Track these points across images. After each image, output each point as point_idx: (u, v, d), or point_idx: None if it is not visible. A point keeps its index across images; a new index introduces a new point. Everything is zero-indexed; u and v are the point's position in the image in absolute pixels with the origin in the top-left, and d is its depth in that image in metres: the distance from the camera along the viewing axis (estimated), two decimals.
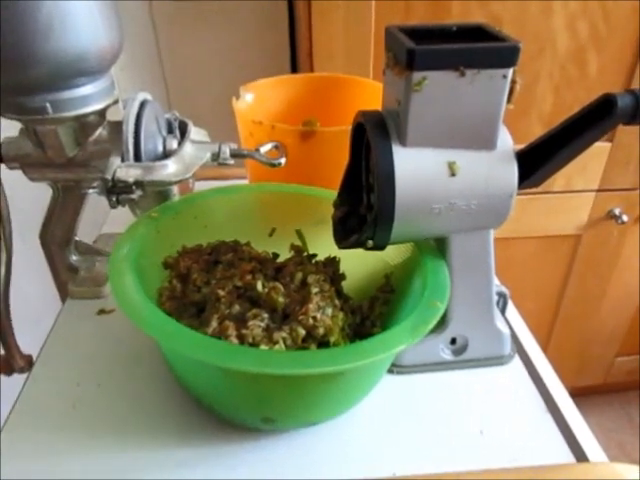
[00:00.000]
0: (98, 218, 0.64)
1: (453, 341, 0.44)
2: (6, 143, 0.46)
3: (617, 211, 1.03)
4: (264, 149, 0.47)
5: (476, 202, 0.37)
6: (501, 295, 0.47)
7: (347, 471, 0.37)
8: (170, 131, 0.49)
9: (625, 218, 1.02)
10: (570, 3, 0.83)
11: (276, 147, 0.47)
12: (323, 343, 0.37)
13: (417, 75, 0.33)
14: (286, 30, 1.02)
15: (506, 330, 0.44)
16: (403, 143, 0.35)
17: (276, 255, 0.47)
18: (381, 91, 0.39)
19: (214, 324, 0.37)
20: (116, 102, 0.46)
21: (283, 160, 0.46)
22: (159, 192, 0.47)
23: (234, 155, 0.46)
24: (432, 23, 0.37)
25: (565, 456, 0.39)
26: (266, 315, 0.37)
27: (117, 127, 0.44)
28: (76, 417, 0.40)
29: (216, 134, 0.50)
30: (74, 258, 0.54)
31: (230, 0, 0.99)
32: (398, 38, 0.34)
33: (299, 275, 0.41)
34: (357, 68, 0.85)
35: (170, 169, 0.43)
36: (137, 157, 0.44)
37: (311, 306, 0.37)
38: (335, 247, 0.42)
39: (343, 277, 0.45)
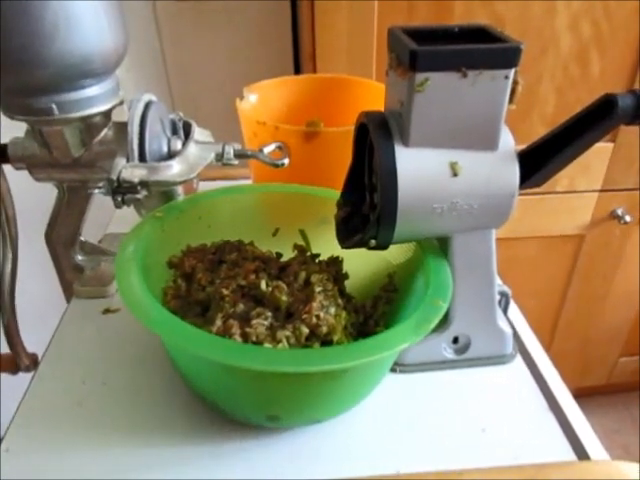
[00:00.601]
0: (103, 218, 0.64)
1: (455, 340, 0.44)
2: (12, 144, 0.46)
3: (620, 211, 1.03)
4: (268, 149, 0.47)
5: (478, 202, 0.37)
6: (503, 294, 0.48)
7: (350, 469, 0.37)
8: (174, 132, 0.49)
9: (628, 218, 1.02)
10: (573, 3, 0.83)
11: (279, 147, 0.48)
12: (326, 342, 0.37)
13: (420, 76, 0.33)
14: (289, 31, 1.03)
15: (508, 329, 0.45)
16: (406, 143, 0.36)
17: (280, 255, 0.47)
18: (384, 92, 0.39)
19: (218, 323, 0.37)
20: (121, 103, 0.47)
21: (286, 160, 0.46)
22: (164, 192, 0.48)
23: (238, 155, 0.46)
24: (434, 24, 0.37)
25: (567, 454, 0.39)
26: (270, 314, 0.38)
27: (122, 128, 0.45)
28: (82, 415, 0.40)
29: (220, 135, 0.50)
30: (79, 258, 0.54)
31: (233, 1, 0.99)
32: (401, 39, 0.34)
33: (302, 274, 0.42)
34: (360, 69, 0.85)
35: (175, 169, 0.44)
36: (142, 157, 0.44)
37: (314, 305, 0.38)
38: (338, 247, 0.42)
39: (346, 276, 0.45)
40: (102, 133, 0.46)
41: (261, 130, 0.52)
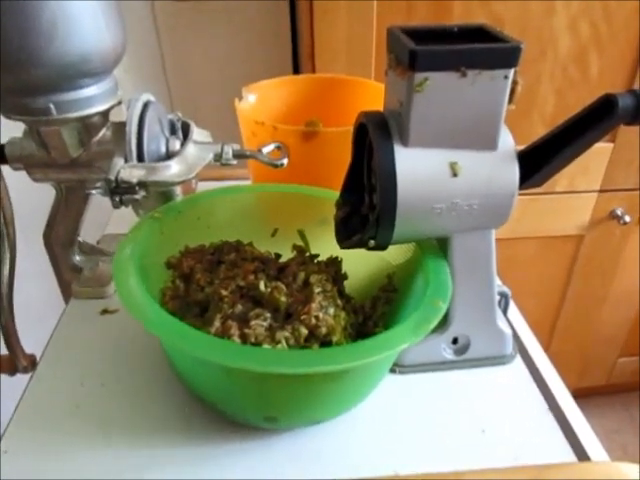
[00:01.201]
0: (101, 218, 0.64)
1: (455, 341, 0.44)
2: (10, 144, 0.46)
3: (619, 211, 1.03)
4: (266, 150, 0.47)
5: (478, 202, 0.37)
6: (503, 295, 0.47)
7: (349, 470, 0.37)
8: (173, 132, 0.49)
9: (627, 218, 1.02)
10: (572, 4, 0.83)
11: (278, 148, 0.48)
12: (325, 343, 0.37)
13: (419, 76, 0.33)
14: (288, 31, 1.03)
15: (508, 330, 0.45)
16: (405, 143, 0.36)
17: (278, 255, 0.47)
18: (383, 92, 0.39)
19: (217, 324, 0.37)
20: (119, 103, 0.46)
21: (285, 161, 0.46)
22: (162, 192, 0.48)
23: (237, 156, 0.46)
24: (434, 24, 0.37)
25: (567, 455, 0.39)
26: (269, 315, 0.38)
27: (120, 128, 0.45)
28: (80, 417, 0.40)
29: (219, 135, 0.50)
30: (77, 258, 0.54)
31: (233, 1, 0.99)
32: (400, 39, 0.34)
33: (301, 275, 0.41)
34: (359, 69, 0.85)
35: (173, 170, 0.43)
36: (140, 158, 0.44)
37: (313, 305, 0.38)
38: (337, 247, 0.42)
39: (345, 277, 0.45)
40: (100, 133, 0.46)
41: (260, 130, 0.52)
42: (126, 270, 0.36)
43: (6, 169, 0.48)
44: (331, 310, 0.38)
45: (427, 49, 0.32)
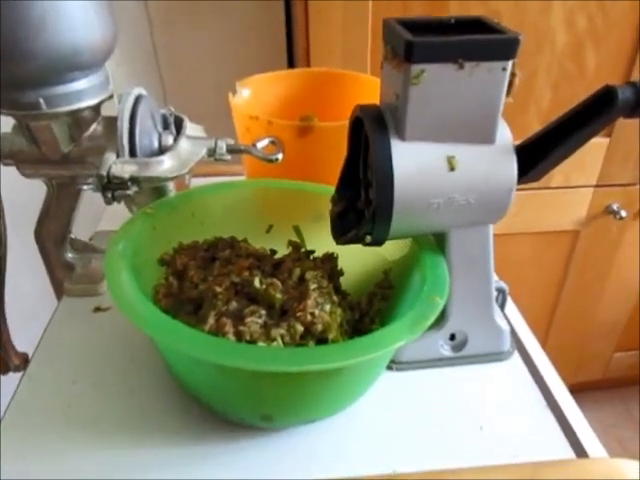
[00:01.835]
0: (94, 215, 0.63)
1: (452, 337, 0.43)
2: None
3: (615, 206, 1.03)
4: (261, 145, 0.46)
5: (475, 197, 0.37)
6: (500, 291, 0.47)
7: (346, 468, 0.37)
8: (166, 127, 0.48)
9: (624, 213, 1.02)
10: None
11: (273, 142, 0.47)
12: (321, 340, 0.37)
13: (415, 68, 0.32)
14: (283, 25, 1.02)
15: (505, 326, 0.44)
16: (401, 137, 0.35)
17: (274, 251, 0.46)
18: (379, 86, 0.39)
19: (211, 321, 0.36)
20: (111, 97, 0.46)
21: (280, 156, 0.45)
22: (155, 188, 0.47)
23: (231, 151, 0.46)
24: (430, 16, 0.37)
25: (565, 452, 0.39)
26: (264, 312, 0.37)
27: (112, 123, 0.44)
28: (71, 416, 0.39)
29: (212, 130, 0.49)
30: (70, 255, 0.53)
31: None
32: (396, 30, 0.33)
33: (297, 271, 0.41)
34: (354, 63, 0.84)
35: (166, 165, 0.43)
36: (132, 153, 0.43)
37: (309, 302, 0.37)
38: (333, 243, 0.41)
39: (341, 273, 0.44)
40: (91, 128, 0.45)
41: (254, 125, 0.51)
42: (118, 267, 0.36)
43: None
44: (327, 307, 0.38)
45: (424, 40, 0.32)
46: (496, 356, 0.45)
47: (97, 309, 0.50)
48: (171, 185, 0.48)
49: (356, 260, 0.45)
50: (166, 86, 1.06)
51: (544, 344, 0.48)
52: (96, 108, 0.45)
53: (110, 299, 0.49)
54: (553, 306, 1.19)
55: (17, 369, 0.54)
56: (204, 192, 0.47)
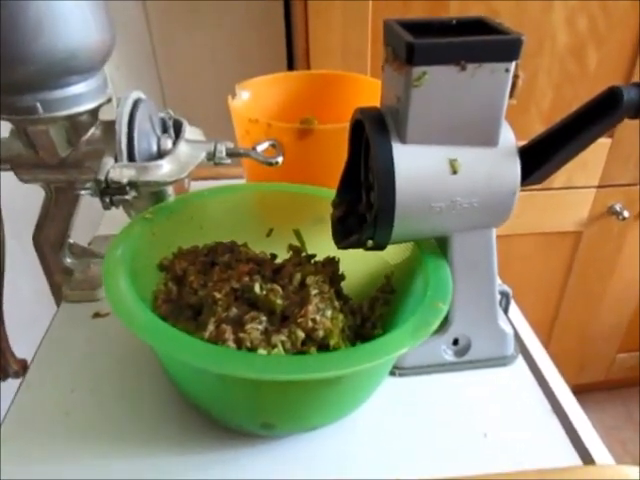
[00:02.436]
0: (93, 219, 0.63)
1: (455, 342, 0.43)
2: None
3: (618, 207, 1.02)
4: (261, 148, 0.46)
5: (478, 200, 0.36)
6: (504, 294, 0.47)
7: (348, 476, 0.36)
8: (164, 130, 0.48)
9: (626, 214, 1.02)
10: None
11: (273, 145, 0.47)
12: (323, 346, 0.36)
13: (417, 70, 0.32)
14: (282, 27, 1.01)
15: (509, 330, 0.44)
16: (403, 140, 0.35)
17: (274, 256, 0.46)
18: (379, 88, 0.38)
19: (211, 328, 0.36)
20: (109, 101, 0.45)
21: (280, 159, 0.45)
22: (154, 193, 0.46)
23: (230, 154, 0.45)
24: (431, 17, 0.36)
25: (571, 457, 0.38)
26: (264, 318, 0.36)
27: (110, 127, 0.43)
28: (69, 425, 0.39)
29: (212, 133, 0.49)
30: (68, 261, 0.53)
31: None
32: (397, 32, 0.33)
33: (298, 276, 0.40)
34: (354, 65, 0.84)
35: (165, 169, 0.42)
36: (131, 157, 0.43)
37: (310, 308, 0.37)
38: (334, 246, 0.41)
39: (343, 277, 0.44)
40: (89, 132, 0.45)
41: (254, 128, 0.51)
42: (116, 273, 0.35)
43: None
44: (328, 312, 0.37)
45: (425, 42, 0.31)
46: (500, 361, 0.44)
47: (96, 315, 0.49)
48: (170, 189, 0.47)
49: (357, 264, 0.44)
50: (165, 89, 1.05)
51: (547, 345, 0.47)
52: (94, 112, 0.44)
53: (108, 305, 0.49)
54: (556, 307, 1.18)
55: (16, 375, 0.54)
56: (203, 196, 0.47)
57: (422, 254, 0.39)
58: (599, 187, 1.01)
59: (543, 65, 0.87)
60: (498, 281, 0.42)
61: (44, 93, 0.41)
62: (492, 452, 0.38)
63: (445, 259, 0.39)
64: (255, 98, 0.59)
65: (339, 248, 0.40)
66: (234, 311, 0.37)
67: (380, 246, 0.38)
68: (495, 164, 0.36)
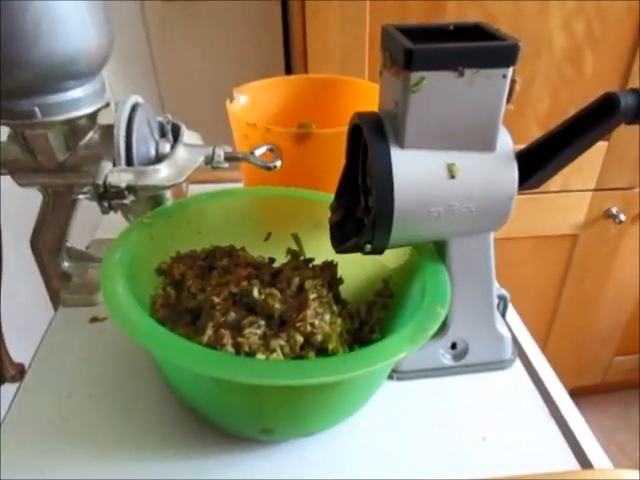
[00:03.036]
0: (91, 223, 0.63)
1: (453, 346, 0.43)
2: None
3: (614, 210, 1.03)
4: (259, 152, 0.46)
5: (476, 205, 0.36)
6: (501, 298, 0.47)
7: None
8: (163, 134, 0.48)
9: (622, 217, 1.02)
10: (566, 3, 0.83)
11: (271, 150, 0.47)
12: (321, 350, 0.36)
13: (415, 75, 0.32)
14: (280, 31, 1.02)
15: (507, 334, 0.44)
16: (401, 145, 0.35)
17: (272, 260, 0.46)
18: (377, 92, 0.38)
19: (209, 332, 0.36)
20: (107, 105, 0.45)
21: (278, 163, 0.45)
22: (152, 197, 0.46)
23: (228, 158, 0.45)
24: (429, 22, 0.36)
25: (568, 461, 0.38)
26: (262, 322, 0.37)
27: (108, 131, 0.43)
28: (67, 429, 0.39)
29: (210, 137, 0.49)
30: (66, 265, 0.52)
31: (223, 1, 0.98)
32: (395, 37, 0.33)
33: (296, 280, 0.40)
34: (352, 69, 0.84)
35: (163, 173, 0.42)
36: (129, 161, 0.43)
37: (309, 312, 0.37)
38: (332, 250, 0.41)
39: (341, 281, 0.44)
40: (87, 136, 0.45)
41: (252, 132, 0.51)
42: (114, 278, 0.35)
43: None
44: (327, 317, 0.37)
45: (423, 48, 0.31)
46: (498, 364, 0.44)
47: (94, 319, 0.49)
48: (168, 193, 0.47)
49: (356, 268, 0.44)
50: (163, 93, 1.05)
51: (544, 348, 0.47)
52: (92, 116, 0.44)
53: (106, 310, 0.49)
54: (553, 310, 1.18)
55: (13, 379, 0.54)
56: (201, 200, 0.47)
57: (420, 258, 0.39)
58: (595, 190, 1.01)
59: (540, 69, 0.88)
60: (495, 285, 0.42)
61: (42, 98, 0.41)
62: (490, 455, 0.38)
63: (443, 263, 0.39)
64: (253, 102, 0.59)
65: (337, 252, 0.41)
66: (232, 315, 0.37)
67: (378, 250, 0.38)
68: (493, 169, 0.36)
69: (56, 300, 0.53)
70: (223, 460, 0.37)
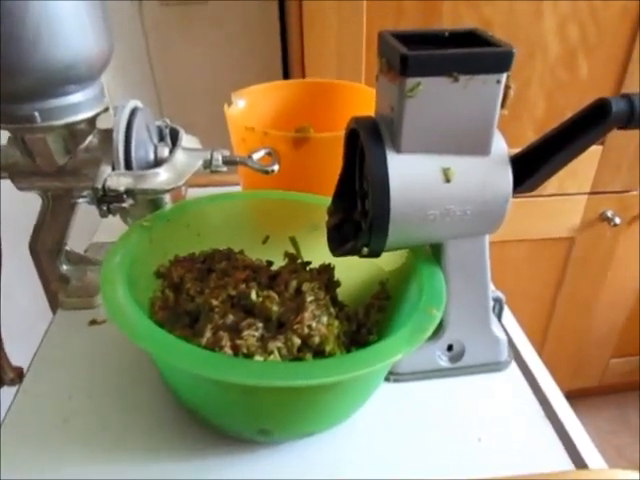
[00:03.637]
0: (89, 226, 0.63)
1: (450, 348, 0.43)
2: None
3: (609, 213, 1.03)
4: (257, 156, 0.46)
5: (471, 208, 0.37)
6: (497, 300, 0.47)
7: None
8: (161, 139, 0.48)
9: (618, 220, 1.03)
10: (559, 6, 0.83)
11: (269, 154, 0.47)
12: (319, 352, 0.37)
13: (411, 81, 0.33)
14: (278, 35, 1.02)
15: (503, 336, 0.44)
16: (397, 149, 0.35)
17: (270, 263, 0.46)
18: (374, 96, 0.39)
19: (208, 334, 0.36)
20: (106, 110, 0.46)
21: (276, 167, 0.45)
22: (151, 200, 0.47)
23: (226, 162, 0.46)
24: (425, 28, 0.37)
25: (564, 462, 0.38)
26: (260, 324, 0.37)
27: (107, 135, 0.44)
28: (67, 432, 0.39)
29: (208, 141, 0.49)
30: (65, 268, 0.53)
31: (221, 5, 0.98)
32: (391, 44, 0.33)
33: (293, 283, 0.41)
34: (349, 73, 0.84)
35: (162, 177, 0.43)
36: (128, 165, 0.43)
37: (306, 315, 0.37)
38: (329, 254, 0.41)
39: (338, 284, 0.44)
40: (87, 140, 0.45)
41: (250, 136, 0.51)
42: (113, 280, 0.36)
43: None
44: (324, 319, 0.38)
45: (419, 54, 0.32)
46: (494, 366, 0.45)
47: (93, 322, 0.49)
48: (167, 197, 0.48)
49: (352, 270, 0.44)
50: (161, 97, 1.06)
51: (540, 351, 0.48)
52: (91, 121, 0.45)
53: (105, 312, 0.49)
54: (549, 313, 1.19)
55: (12, 383, 0.54)
56: (200, 203, 0.47)
57: (416, 261, 0.40)
58: (591, 194, 1.02)
59: (535, 73, 0.89)
60: (491, 287, 0.43)
61: (42, 102, 0.41)
62: (486, 457, 0.38)
63: (439, 266, 0.39)
64: (251, 106, 0.59)
65: (334, 255, 0.41)
66: (231, 318, 0.37)
67: (375, 253, 0.39)
68: (488, 172, 0.36)
69: (55, 303, 0.53)
70: (221, 461, 0.37)
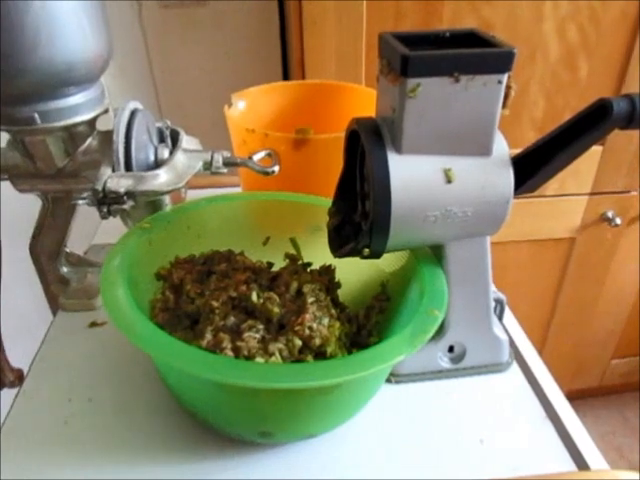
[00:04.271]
0: (89, 228, 0.63)
1: (451, 349, 0.43)
2: None
3: (610, 214, 1.03)
4: (257, 157, 0.46)
5: (472, 209, 0.37)
6: (498, 301, 0.47)
7: None
8: (161, 140, 0.48)
9: (618, 220, 1.03)
10: (560, 7, 0.83)
11: (269, 155, 0.47)
12: (319, 353, 0.37)
13: (411, 82, 0.32)
14: (277, 37, 1.02)
15: (504, 337, 0.44)
16: (398, 150, 0.35)
17: (271, 264, 0.46)
18: (374, 97, 0.39)
19: (208, 336, 0.36)
20: (106, 111, 0.46)
21: (277, 168, 0.45)
22: (151, 202, 0.47)
23: (227, 163, 0.45)
24: (425, 29, 0.37)
25: (566, 463, 0.38)
26: (261, 326, 0.37)
27: (107, 137, 0.44)
28: (68, 434, 0.39)
29: (208, 142, 0.49)
30: (65, 270, 0.53)
31: (221, 6, 0.98)
32: (392, 44, 0.33)
33: (294, 284, 0.41)
34: (349, 74, 0.84)
35: (162, 179, 0.43)
36: (128, 167, 0.43)
37: (307, 316, 0.37)
38: (330, 255, 0.41)
39: (339, 285, 0.44)
40: (87, 142, 0.45)
41: (250, 137, 0.51)
42: (114, 282, 0.36)
43: None
44: (325, 320, 0.38)
45: (419, 54, 0.32)
46: (495, 367, 0.45)
47: (93, 324, 0.49)
48: (167, 198, 0.48)
49: (353, 272, 0.44)
50: (161, 99, 1.06)
51: (541, 352, 0.48)
52: (91, 122, 0.45)
53: (106, 314, 0.49)
54: (550, 313, 1.19)
55: (12, 385, 0.54)
56: (200, 205, 0.47)
57: (417, 262, 0.40)
58: (591, 194, 1.02)
59: (535, 74, 0.88)
60: (492, 288, 0.43)
61: (42, 104, 0.41)
62: (488, 458, 0.38)
63: (440, 267, 0.39)
64: (251, 108, 0.59)
65: (335, 257, 0.41)
66: (231, 320, 0.37)
67: (376, 254, 0.39)
68: (489, 173, 0.36)
69: (55, 305, 0.53)
70: (222, 463, 0.37)
